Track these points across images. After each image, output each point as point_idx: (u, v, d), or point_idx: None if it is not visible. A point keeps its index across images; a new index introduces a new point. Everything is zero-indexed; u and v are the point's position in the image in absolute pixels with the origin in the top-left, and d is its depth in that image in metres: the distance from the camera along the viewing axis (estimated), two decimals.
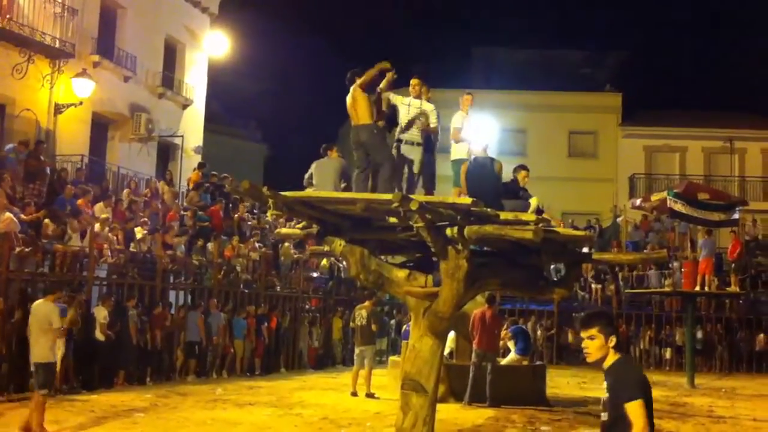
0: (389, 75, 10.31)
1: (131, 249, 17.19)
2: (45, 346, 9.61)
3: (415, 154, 10.57)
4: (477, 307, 14.27)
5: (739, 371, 23.34)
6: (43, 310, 9.73)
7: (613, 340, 4.11)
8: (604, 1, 55.65)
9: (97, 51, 22.20)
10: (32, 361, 9.82)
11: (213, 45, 28.81)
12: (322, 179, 10.58)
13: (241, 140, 41.92)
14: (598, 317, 4.18)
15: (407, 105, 10.55)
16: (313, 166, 10.73)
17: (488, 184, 10.12)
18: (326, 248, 10.93)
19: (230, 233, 21.87)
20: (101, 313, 14.58)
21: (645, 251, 23.09)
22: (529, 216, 9.64)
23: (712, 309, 25.31)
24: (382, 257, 10.92)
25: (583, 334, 4.17)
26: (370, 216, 9.98)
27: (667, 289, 22.35)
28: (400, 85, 10.75)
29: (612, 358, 4.11)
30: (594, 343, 4.10)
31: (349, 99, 10.12)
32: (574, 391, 16.77)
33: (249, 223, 24.07)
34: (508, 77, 36.07)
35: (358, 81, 9.96)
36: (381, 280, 10.49)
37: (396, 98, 10.76)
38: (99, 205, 17.48)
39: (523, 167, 10.97)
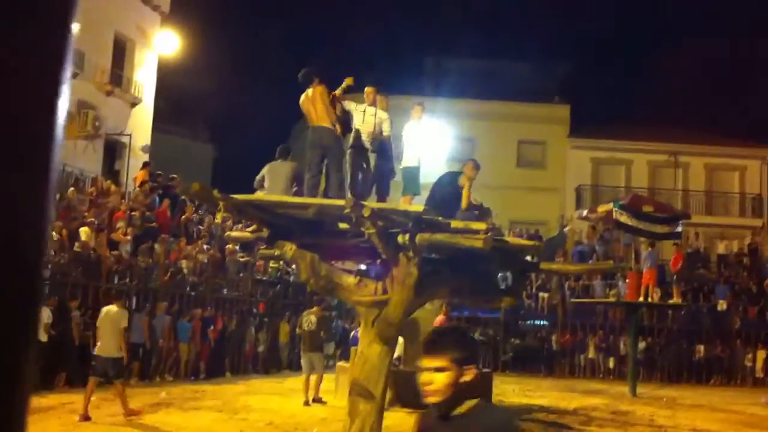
0: (347, 80, 10.34)
1: (75, 249, 16.85)
2: (116, 344, 11.41)
3: (367, 160, 10.61)
4: (423, 314, 14.31)
5: (679, 381, 23.81)
6: (116, 313, 11.63)
7: (469, 374, 2.63)
8: (554, 13, 56.48)
9: None
10: (102, 356, 11.36)
11: (163, 43, 28.49)
12: (274, 182, 10.51)
13: (190, 140, 41.52)
14: (451, 341, 2.74)
15: (362, 112, 10.56)
16: (266, 168, 10.65)
17: (449, 197, 10.22)
18: (276, 252, 10.87)
19: (177, 234, 21.59)
20: (44, 313, 14.26)
21: (591, 262, 23.44)
22: (479, 225, 9.73)
23: (655, 319, 25.79)
24: (333, 263, 10.90)
25: (426, 363, 2.69)
26: (321, 221, 9.96)
27: (611, 299, 22.71)
28: (352, 91, 10.77)
29: (468, 404, 2.66)
30: (441, 379, 2.63)
31: (305, 98, 10.08)
32: (520, 398, 16.91)
33: (198, 225, 23.79)
34: (459, 86, 36.30)
35: (317, 83, 9.96)
36: (331, 285, 10.46)
37: (350, 104, 10.77)
38: None
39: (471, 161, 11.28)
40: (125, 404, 11.56)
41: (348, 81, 10.39)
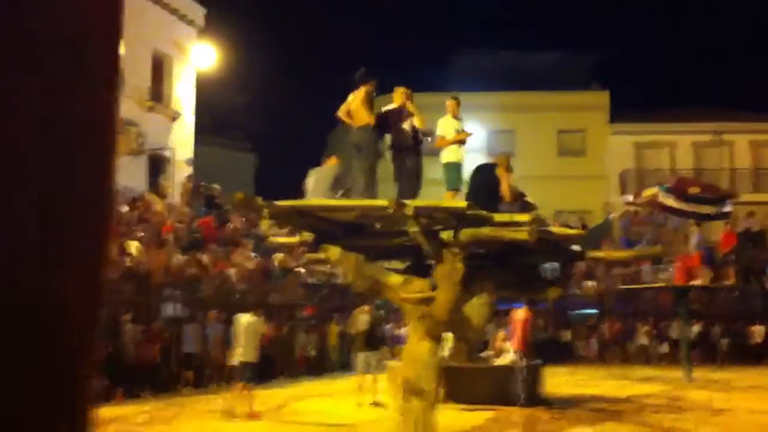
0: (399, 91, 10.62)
1: (127, 263, 17.19)
2: (254, 351, 12.60)
3: (409, 159, 10.67)
4: (471, 309, 14.32)
5: (734, 364, 23.43)
6: (254, 322, 12.92)
7: None
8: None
9: None
10: (242, 361, 12.50)
11: (200, 57, 28.87)
12: (316, 187, 10.63)
13: (231, 150, 41.98)
14: None
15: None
16: (310, 173, 10.79)
17: (486, 189, 10.24)
18: (322, 255, 10.98)
19: (223, 243, 21.88)
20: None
21: (638, 247, 23.18)
22: (524, 217, 9.74)
23: (707, 303, 25.42)
24: (377, 263, 10.99)
25: None
26: (364, 222, 10.06)
27: (660, 284, 22.43)
28: (384, 91, 10.90)
29: None
30: None
31: (353, 97, 10.20)
32: (572, 389, 16.82)
33: (243, 234, 24.09)
34: (495, 79, 36.22)
35: (368, 86, 10.12)
36: (376, 285, 10.56)
37: (388, 107, 10.89)
38: None
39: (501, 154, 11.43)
40: (251, 406, 12.49)
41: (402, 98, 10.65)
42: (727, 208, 19.93)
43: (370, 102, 10.20)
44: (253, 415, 12.46)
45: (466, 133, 11.43)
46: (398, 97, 10.95)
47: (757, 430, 11.26)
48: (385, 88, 11.27)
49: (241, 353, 12.65)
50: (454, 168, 11.24)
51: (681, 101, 38.22)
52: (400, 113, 10.77)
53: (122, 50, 1.19)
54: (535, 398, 14.19)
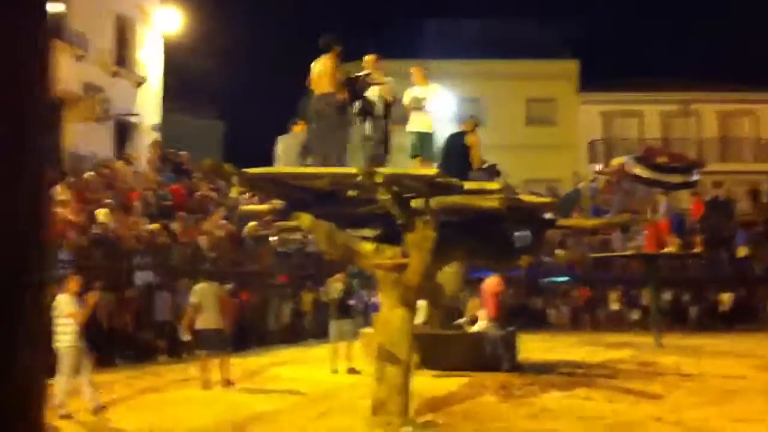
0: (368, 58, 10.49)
1: (94, 231, 16.96)
2: (217, 317, 12.50)
3: (378, 126, 10.60)
4: (444, 277, 14.35)
5: (704, 330, 23.79)
6: (213, 287, 12.85)
7: None
8: None
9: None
10: (207, 328, 12.38)
11: (165, 21, 28.34)
12: (286, 154, 10.53)
13: (199, 117, 41.45)
14: None
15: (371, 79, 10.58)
16: (279, 140, 10.67)
17: (459, 158, 10.21)
18: (293, 224, 10.90)
19: (193, 211, 21.68)
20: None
21: (607, 216, 23.35)
22: (493, 185, 9.74)
23: (676, 270, 25.74)
24: (348, 231, 10.93)
25: None
26: (335, 190, 9.98)
27: (630, 252, 22.65)
28: (353, 58, 10.79)
29: None
30: None
31: (317, 65, 10.05)
32: (544, 355, 16.98)
33: (213, 201, 23.87)
34: (463, 47, 35.93)
35: (333, 52, 9.95)
36: (349, 253, 10.51)
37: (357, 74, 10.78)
38: (57, 188, 17.18)
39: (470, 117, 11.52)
40: (226, 374, 12.49)
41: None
42: (695, 177, 20.13)
43: (334, 69, 10.04)
44: (227, 383, 12.42)
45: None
46: (367, 65, 10.87)
47: (726, 394, 11.45)
48: (353, 54, 11.15)
49: (203, 320, 12.54)
50: (421, 137, 11.19)
51: (650, 71, 38.31)
52: (367, 80, 10.68)
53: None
54: (511, 364, 14.33)
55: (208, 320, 12.49)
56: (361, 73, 10.80)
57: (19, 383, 1.36)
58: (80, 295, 10.71)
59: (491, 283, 14.71)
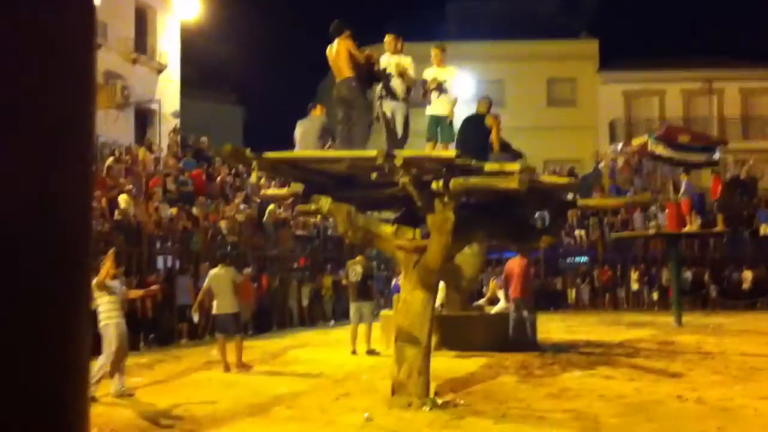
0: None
1: (116, 217, 17.12)
2: (232, 301, 12.52)
3: (399, 109, 10.58)
4: (464, 259, 14.38)
5: (725, 309, 23.68)
6: (228, 272, 12.76)
7: None
8: None
9: None
10: (222, 313, 12.56)
11: (184, 8, 28.44)
12: (305, 138, 10.55)
13: (218, 103, 41.60)
14: None
15: (386, 61, 10.54)
16: (298, 124, 10.70)
17: (476, 139, 10.20)
18: (313, 207, 10.97)
19: (214, 196, 21.82)
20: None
21: (628, 195, 23.24)
22: (513, 166, 9.71)
23: (697, 249, 25.62)
24: (369, 213, 10.98)
25: None
26: (354, 173, 10.02)
27: (651, 231, 22.55)
28: (374, 41, 10.74)
29: None
30: None
31: (331, 51, 10.06)
32: (564, 335, 17.00)
33: (233, 186, 24.00)
34: (484, 29, 35.80)
35: (345, 36, 9.93)
36: (369, 236, 10.56)
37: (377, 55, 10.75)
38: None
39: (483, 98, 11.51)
40: (240, 357, 12.55)
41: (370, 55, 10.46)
42: (717, 156, 19.97)
43: (350, 52, 10.03)
44: (243, 366, 12.52)
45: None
46: (387, 46, 10.83)
47: (748, 372, 11.41)
48: (376, 38, 11.10)
49: (218, 305, 12.69)
50: (438, 120, 11.12)
51: (671, 50, 37.93)
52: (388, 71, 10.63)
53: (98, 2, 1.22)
54: (531, 344, 14.37)
55: (222, 305, 12.61)
56: (378, 66, 10.72)
57: (72, 363, 1.41)
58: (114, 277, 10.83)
59: (517, 263, 14.70)
